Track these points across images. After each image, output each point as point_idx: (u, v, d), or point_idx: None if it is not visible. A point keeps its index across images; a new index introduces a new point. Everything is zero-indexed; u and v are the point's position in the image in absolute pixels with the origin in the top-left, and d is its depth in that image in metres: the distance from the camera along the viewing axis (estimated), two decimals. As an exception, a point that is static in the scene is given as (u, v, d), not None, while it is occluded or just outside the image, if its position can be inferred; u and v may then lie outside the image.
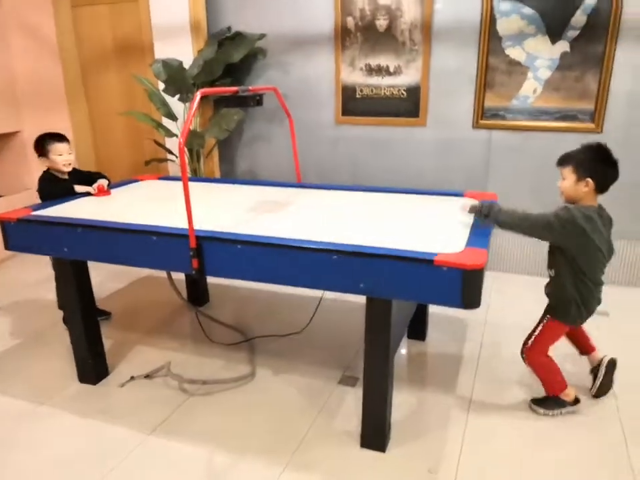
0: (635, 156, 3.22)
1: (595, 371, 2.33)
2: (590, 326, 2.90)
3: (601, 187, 1.98)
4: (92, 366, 2.45)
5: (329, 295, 3.16)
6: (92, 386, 2.43)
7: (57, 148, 2.65)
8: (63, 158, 2.66)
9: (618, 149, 3.20)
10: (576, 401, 2.20)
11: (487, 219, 1.98)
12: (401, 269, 1.69)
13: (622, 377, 2.40)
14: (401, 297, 1.79)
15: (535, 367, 2.20)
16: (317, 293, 2.88)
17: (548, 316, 2.15)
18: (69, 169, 2.69)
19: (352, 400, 2.30)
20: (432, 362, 2.62)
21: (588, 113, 3.23)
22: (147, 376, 2.48)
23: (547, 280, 2.18)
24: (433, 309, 2.87)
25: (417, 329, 2.76)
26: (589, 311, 2.11)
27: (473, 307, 1.68)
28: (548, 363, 2.17)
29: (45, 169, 2.70)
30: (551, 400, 2.20)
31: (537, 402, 2.22)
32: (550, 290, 2.16)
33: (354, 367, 2.56)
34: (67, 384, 2.45)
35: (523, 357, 2.21)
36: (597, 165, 1.96)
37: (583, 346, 2.37)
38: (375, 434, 1.99)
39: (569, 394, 2.18)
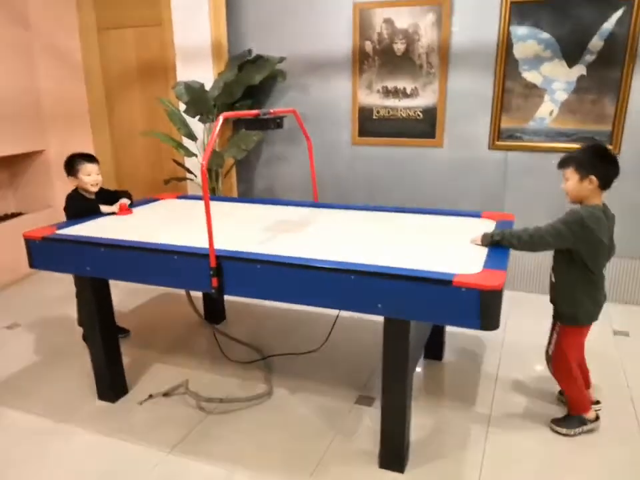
0: (653, 177, 3.21)
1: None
2: (610, 346, 2.89)
3: (604, 183, 2.01)
4: (111, 384, 2.48)
5: (345, 313, 3.17)
6: (111, 404, 2.46)
7: (86, 168, 2.72)
8: (91, 178, 2.73)
9: (635, 169, 3.23)
10: (597, 418, 2.18)
11: (499, 246, 1.99)
12: (419, 290, 1.70)
13: (643, 401, 2.38)
14: (419, 318, 1.80)
15: (560, 379, 2.19)
16: (333, 311, 2.90)
17: (558, 323, 2.15)
18: (96, 189, 2.76)
19: (369, 420, 2.30)
20: (449, 382, 2.61)
21: (605, 135, 3.23)
22: (165, 394, 2.50)
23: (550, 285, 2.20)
24: (450, 329, 2.86)
25: (434, 349, 2.75)
26: (600, 306, 2.12)
27: (491, 328, 1.68)
28: (574, 377, 2.14)
29: (73, 187, 2.77)
30: (572, 418, 2.18)
31: (558, 422, 2.20)
32: (555, 295, 2.16)
33: (370, 387, 2.55)
34: (86, 401, 2.48)
35: (549, 369, 2.21)
36: (598, 161, 2.00)
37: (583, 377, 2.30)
38: (393, 454, 1.98)
39: (591, 412, 2.17)
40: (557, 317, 2.18)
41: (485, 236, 2.03)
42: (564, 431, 2.17)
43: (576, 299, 2.07)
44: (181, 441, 2.18)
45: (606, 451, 2.09)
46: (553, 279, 2.16)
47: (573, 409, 2.19)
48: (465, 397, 2.47)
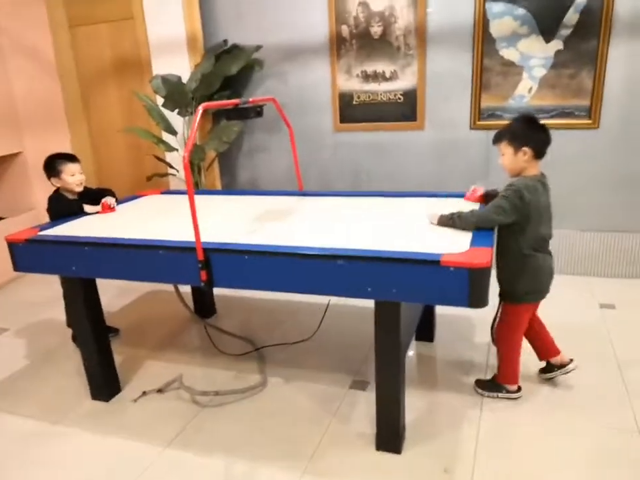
0: (632, 149, 3.25)
1: (558, 368, 2.34)
2: (596, 319, 2.94)
3: (538, 152, 2.03)
4: (104, 383, 2.46)
5: (335, 300, 3.18)
6: (105, 403, 2.45)
7: (69, 168, 2.67)
8: (75, 178, 2.68)
9: (615, 142, 3.27)
10: (518, 389, 2.27)
11: (453, 227, 2.01)
12: (407, 271, 1.71)
13: (631, 370, 2.42)
14: (409, 300, 1.80)
15: (502, 351, 2.25)
16: (323, 299, 2.90)
17: (502, 302, 2.20)
18: (81, 188, 2.71)
19: (364, 404, 2.31)
20: (441, 362, 2.63)
21: (584, 109, 3.26)
22: (159, 390, 2.49)
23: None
24: (440, 310, 2.88)
25: (425, 330, 2.77)
26: (542, 283, 2.14)
27: (480, 306, 1.70)
28: (516, 351, 2.22)
29: (54, 189, 2.72)
30: (496, 385, 2.29)
31: (481, 382, 2.34)
32: (498, 272, 2.17)
33: (364, 372, 2.57)
34: (79, 402, 2.46)
35: (492, 339, 2.28)
36: (529, 132, 2.03)
37: (546, 348, 2.34)
38: (389, 436, 2.00)
39: (515, 385, 2.28)
40: (500, 294, 2.20)
41: (441, 217, 2.04)
42: (486, 393, 2.29)
43: (515, 276, 2.10)
44: (178, 436, 2.18)
45: (597, 420, 2.13)
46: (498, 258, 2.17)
47: (501, 377, 2.27)
48: (458, 376, 2.49)
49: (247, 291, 3.42)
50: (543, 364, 2.38)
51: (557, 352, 2.32)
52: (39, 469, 2.05)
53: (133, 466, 2.02)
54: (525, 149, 2.01)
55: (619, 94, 3.19)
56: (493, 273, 1.81)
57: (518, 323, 2.19)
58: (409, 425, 2.12)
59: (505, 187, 2.03)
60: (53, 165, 2.68)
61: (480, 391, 2.31)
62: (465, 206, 2.22)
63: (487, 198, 2.29)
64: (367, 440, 2.07)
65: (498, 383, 2.28)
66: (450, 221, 2.01)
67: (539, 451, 1.98)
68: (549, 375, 2.36)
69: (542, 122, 2.07)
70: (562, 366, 2.31)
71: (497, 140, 2.11)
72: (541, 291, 2.15)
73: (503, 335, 2.23)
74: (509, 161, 2.07)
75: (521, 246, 2.05)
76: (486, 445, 2.02)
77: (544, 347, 2.33)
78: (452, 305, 1.71)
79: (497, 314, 2.24)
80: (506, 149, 2.06)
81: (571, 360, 2.32)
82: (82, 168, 2.75)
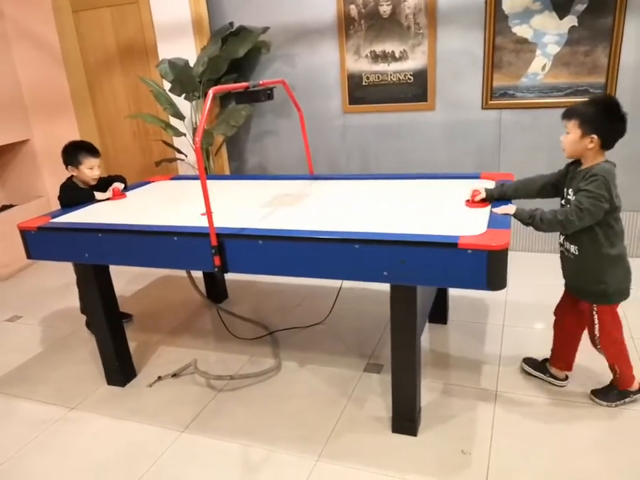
0: (648, 127, 3.19)
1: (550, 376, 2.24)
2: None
3: (607, 144, 1.86)
4: (119, 368, 2.48)
5: (347, 283, 3.17)
6: (120, 388, 2.46)
7: (89, 161, 2.63)
8: (93, 172, 2.66)
9: (631, 121, 3.20)
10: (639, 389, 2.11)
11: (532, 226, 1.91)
12: (424, 255, 1.69)
13: (649, 350, 2.40)
14: (425, 283, 1.78)
15: (611, 355, 2.05)
16: (335, 282, 2.89)
17: (594, 306, 1.98)
18: (95, 182, 2.69)
19: (378, 387, 2.31)
20: (455, 345, 2.62)
21: (599, 87, 3.19)
22: (174, 375, 2.50)
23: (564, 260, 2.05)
24: (453, 292, 2.87)
25: (438, 312, 2.76)
26: (629, 279, 1.97)
27: (499, 288, 1.68)
28: (623, 352, 2.06)
29: (68, 176, 2.70)
30: (614, 390, 2.11)
31: (599, 393, 2.13)
32: (573, 269, 2.01)
33: (377, 355, 2.57)
34: (95, 387, 2.48)
35: (600, 352, 2.08)
36: (604, 120, 1.83)
37: (561, 357, 2.22)
38: (405, 419, 2.00)
39: (635, 383, 2.11)
40: (583, 295, 2.03)
41: (518, 211, 1.91)
42: (605, 404, 2.09)
43: (609, 275, 1.91)
44: (194, 419, 2.19)
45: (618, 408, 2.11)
46: (574, 252, 1.96)
47: (621, 383, 2.09)
48: (472, 358, 2.49)
49: (257, 275, 3.42)
50: (534, 358, 2.32)
51: (568, 369, 2.23)
52: (57, 454, 2.07)
53: (150, 450, 2.04)
54: (594, 136, 1.83)
55: (634, 71, 3.12)
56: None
57: (617, 322, 2.01)
58: (424, 408, 2.12)
59: (587, 177, 1.83)
60: (74, 153, 2.63)
61: (604, 402, 2.09)
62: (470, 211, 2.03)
63: (490, 199, 2.07)
64: (383, 423, 2.07)
65: (621, 390, 2.09)
66: (529, 219, 1.88)
67: (556, 433, 1.97)
68: (532, 371, 2.28)
69: (624, 112, 1.83)
70: (553, 376, 2.24)
71: (566, 116, 1.90)
72: (628, 287, 1.99)
73: (608, 340, 2.02)
74: (571, 142, 1.88)
75: (612, 241, 1.89)
76: (502, 427, 2.02)
77: (562, 354, 2.22)
78: (470, 287, 1.69)
79: (592, 326, 2.02)
80: (573, 130, 1.87)
81: (566, 377, 2.24)
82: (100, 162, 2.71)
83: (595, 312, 2.00)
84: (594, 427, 1.99)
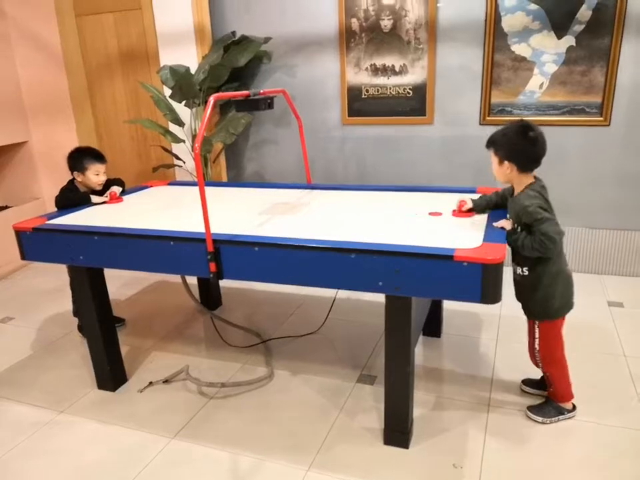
0: (643, 147, 3.23)
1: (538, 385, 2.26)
2: (605, 317, 2.93)
3: (524, 167, 1.91)
4: (110, 373, 2.46)
5: (342, 293, 3.17)
6: (111, 393, 2.44)
7: (97, 168, 2.64)
8: (99, 178, 2.66)
9: (626, 140, 3.25)
10: (573, 408, 2.14)
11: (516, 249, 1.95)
12: (420, 266, 1.70)
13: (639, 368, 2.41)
14: (420, 294, 1.79)
15: (552, 372, 2.08)
16: (330, 292, 2.90)
17: (538, 323, 2.04)
18: (100, 188, 2.69)
19: (371, 398, 2.31)
20: (449, 358, 2.62)
21: (596, 106, 3.23)
22: (166, 381, 2.49)
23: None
24: (447, 305, 2.87)
25: (432, 325, 2.76)
26: (571, 293, 2.02)
27: (493, 301, 1.69)
28: (565, 367, 2.09)
29: (69, 180, 2.70)
30: (550, 406, 2.13)
31: (534, 409, 2.14)
32: (523, 290, 2.04)
33: (371, 366, 2.56)
34: (85, 391, 2.46)
35: (537, 364, 2.12)
36: (514, 146, 1.89)
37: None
38: (397, 431, 1.99)
39: (570, 403, 2.14)
40: (529, 314, 2.07)
41: (512, 230, 1.94)
42: (540, 419, 2.10)
43: (551, 292, 1.96)
44: (184, 426, 2.18)
45: (606, 419, 2.11)
46: (521, 272, 2.00)
47: (558, 397, 2.11)
48: (465, 372, 2.49)
49: (252, 283, 3.42)
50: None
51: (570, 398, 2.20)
52: (44, 458, 2.05)
53: (139, 456, 2.02)
54: (507, 163, 1.91)
55: (630, 92, 3.17)
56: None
57: (559, 338, 2.06)
58: (416, 420, 2.11)
59: (525, 212, 1.86)
60: (81, 160, 2.64)
61: (539, 418, 2.10)
62: (460, 222, 2.07)
63: (477, 209, 2.14)
64: (375, 434, 2.07)
65: (557, 405, 2.12)
66: (515, 242, 1.89)
67: (547, 449, 1.97)
68: (532, 391, 2.28)
69: (535, 134, 1.88)
70: (561, 410, 2.16)
71: (487, 145, 1.98)
72: (571, 301, 2.03)
73: (548, 355, 2.06)
74: (495, 170, 1.97)
75: (554, 258, 1.93)
76: (494, 441, 2.02)
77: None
78: (464, 300, 1.70)
79: (532, 340, 2.08)
80: (493, 158, 1.96)
81: (574, 406, 2.19)
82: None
83: (537, 327, 2.05)
84: (586, 444, 1.99)
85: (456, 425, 2.12)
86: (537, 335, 2.06)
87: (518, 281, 2.06)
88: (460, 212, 2.13)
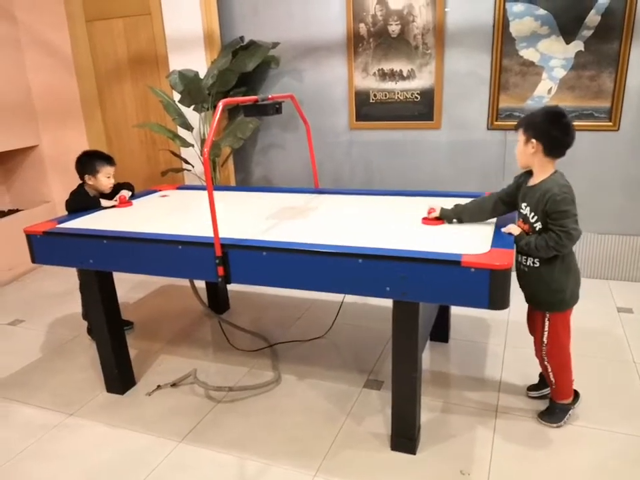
0: (653, 152, 3.21)
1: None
2: (614, 323, 2.91)
3: (549, 150, 1.89)
4: (119, 376, 2.47)
5: (349, 298, 3.17)
6: (119, 396, 2.46)
7: (107, 170, 2.67)
8: (110, 181, 2.69)
9: (635, 145, 3.23)
10: (575, 396, 2.15)
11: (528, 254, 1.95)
12: (427, 271, 1.70)
13: (650, 375, 2.40)
14: (428, 300, 1.79)
15: (555, 364, 2.08)
16: (337, 296, 2.90)
17: (547, 313, 2.02)
18: (109, 191, 2.71)
19: (378, 403, 2.30)
20: (456, 364, 2.61)
21: (604, 111, 3.22)
22: (174, 384, 2.50)
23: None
24: (454, 310, 2.87)
25: (440, 331, 2.75)
26: (579, 283, 2.02)
27: (500, 307, 1.68)
28: (567, 362, 2.09)
29: (79, 184, 2.72)
30: (556, 409, 2.12)
31: (545, 415, 2.14)
32: (533, 281, 2.01)
33: (378, 371, 2.56)
34: (94, 394, 2.48)
35: (544, 360, 2.10)
36: (546, 125, 1.87)
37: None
38: (405, 436, 1.99)
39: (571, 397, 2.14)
40: (538, 305, 2.06)
41: (520, 235, 1.94)
42: (554, 425, 2.10)
43: (563, 283, 1.96)
44: (192, 430, 2.18)
45: (615, 425, 2.10)
46: (531, 263, 1.98)
47: (559, 395, 2.11)
48: (473, 377, 2.48)
49: (259, 287, 3.42)
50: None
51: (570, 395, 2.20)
52: (53, 460, 2.06)
53: (146, 459, 2.03)
54: (534, 141, 1.89)
55: (639, 96, 3.15)
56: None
57: (567, 329, 2.05)
58: (423, 426, 2.11)
59: (548, 199, 1.84)
60: (92, 162, 2.65)
61: (554, 424, 2.10)
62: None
63: (446, 219, 2.12)
64: (382, 440, 2.07)
65: (560, 404, 2.12)
66: (525, 246, 1.90)
67: (556, 456, 1.96)
68: (537, 394, 2.28)
69: (567, 121, 1.87)
70: (563, 408, 2.16)
71: (517, 125, 1.98)
72: (578, 292, 2.02)
73: (556, 348, 2.05)
74: (519, 151, 1.97)
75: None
76: (502, 447, 2.01)
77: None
78: (472, 306, 1.70)
79: (540, 333, 2.06)
80: (520, 137, 1.95)
81: (573, 400, 2.20)
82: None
83: (547, 319, 2.03)
84: (595, 450, 1.97)
85: (463, 431, 2.11)
86: (546, 328, 2.04)
87: (526, 272, 2.02)
88: (428, 219, 2.13)
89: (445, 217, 2.11)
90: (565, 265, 1.95)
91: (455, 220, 2.11)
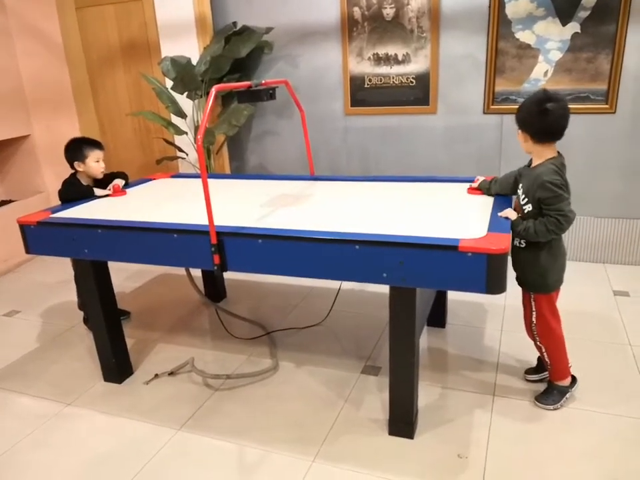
0: (649, 135, 3.20)
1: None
2: (610, 306, 2.92)
3: (538, 138, 1.90)
4: (116, 365, 2.47)
5: (346, 285, 3.17)
6: (117, 385, 2.46)
7: (96, 154, 2.63)
8: (100, 165, 2.66)
9: (632, 128, 3.22)
10: (573, 380, 2.17)
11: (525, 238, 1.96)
12: (424, 257, 1.69)
13: (646, 357, 2.41)
14: (425, 285, 1.78)
15: (550, 348, 2.10)
16: (334, 283, 2.89)
17: (533, 295, 2.05)
18: (102, 176, 2.69)
19: (376, 389, 2.31)
20: (453, 349, 2.62)
21: (601, 94, 3.20)
22: (171, 373, 2.50)
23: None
24: (451, 295, 2.87)
25: (437, 316, 2.76)
26: (564, 267, 2.05)
27: (498, 292, 1.68)
28: (563, 342, 2.11)
29: (71, 173, 2.69)
30: (554, 390, 2.14)
31: (541, 397, 2.15)
32: (521, 261, 2.04)
33: (375, 357, 2.57)
34: (92, 384, 2.48)
35: (536, 341, 2.13)
36: (526, 115, 1.90)
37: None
38: (402, 421, 2.00)
39: (569, 378, 2.16)
40: (524, 285, 2.08)
41: (517, 220, 1.92)
42: (551, 407, 2.11)
43: (549, 265, 1.98)
44: (190, 418, 2.19)
45: (612, 408, 2.11)
46: (517, 243, 2.02)
47: (556, 375, 2.13)
48: (470, 362, 2.49)
49: (256, 275, 3.42)
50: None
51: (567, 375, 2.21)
52: (52, 449, 2.07)
53: (145, 448, 2.03)
54: (520, 132, 1.94)
55: (636, 79, 3.13)
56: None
57: (555, 311, 2.08)
58: (421, 411, 2.12)
59: (540, 185, 1.86)
60: (80, 148, 2.63)
61: (550, 406, 2.11)
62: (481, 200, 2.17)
63: (484, 190, 2.26)
64: (380, 425, 2.07)
65: (557, 386, 2.14)
66: (524, 232, 1.90)
67: (552, 438, 1.97)
68: (535, 377, 2.28)
69: (552, 105, 1.82)
70: (560, 390, 2.17)
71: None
72: (563, 275, 2.05)
73: (545, 329, 2.08)
74: (519, 140, 1.99)
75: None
76: (499, 430, 2.02)
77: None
78: (469, 291, 1.69)
79: (529, 313, 2.10)
80: (518, 130, 1.98)
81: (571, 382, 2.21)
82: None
83: (532, 300, 2.07)
84: (590, 432, 1.99)
85: (461, 415, 2.12)
86: (533, 308, 2.08)
87: (516, 251, 2.05)
88: (472, 188, 2.32)
89: (482, 188, 2.27)
90: (553, 249, 1.98)
91: (490, 191, 2.24)
